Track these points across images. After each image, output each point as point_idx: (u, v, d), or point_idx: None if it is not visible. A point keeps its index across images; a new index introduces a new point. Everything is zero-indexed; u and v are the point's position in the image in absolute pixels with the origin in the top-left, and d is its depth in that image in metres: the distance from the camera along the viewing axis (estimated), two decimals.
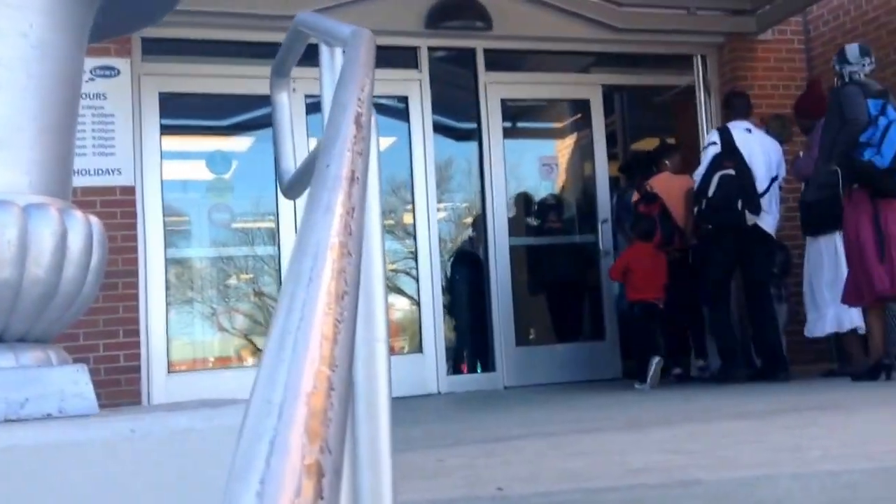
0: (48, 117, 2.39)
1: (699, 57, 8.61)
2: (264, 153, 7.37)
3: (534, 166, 9.16)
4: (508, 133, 8.70)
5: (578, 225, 9.25)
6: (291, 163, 2.84)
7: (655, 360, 7.10)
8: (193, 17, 7.11)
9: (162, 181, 7.30)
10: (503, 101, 8.48)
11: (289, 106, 3.39)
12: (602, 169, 8.79)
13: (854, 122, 6.07)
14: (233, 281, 8.47)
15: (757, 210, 6.89)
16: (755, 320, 7.03)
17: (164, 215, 7.30)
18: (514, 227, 8.65)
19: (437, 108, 8.25)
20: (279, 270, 7.70)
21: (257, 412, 0.75)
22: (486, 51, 8.37)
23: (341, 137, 1.45)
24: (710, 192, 6.94)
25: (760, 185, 6.98)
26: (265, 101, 3.62)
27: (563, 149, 9.70)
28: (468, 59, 8.41)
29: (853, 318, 6.69)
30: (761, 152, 7.09)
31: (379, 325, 1.92)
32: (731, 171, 6.91)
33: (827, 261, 6.91)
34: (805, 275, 7.22)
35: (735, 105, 7.47)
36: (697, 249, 7.49)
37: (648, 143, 10.94)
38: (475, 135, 8.44)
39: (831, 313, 6.85)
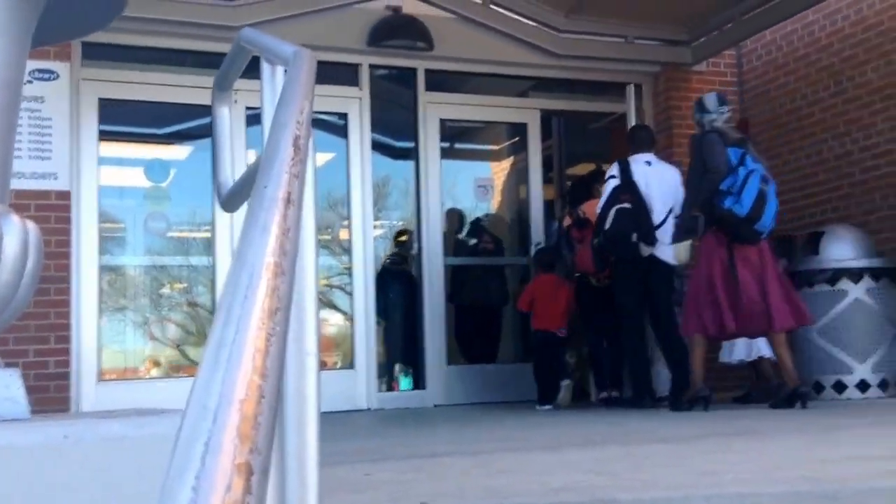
0: None
1: (632, 85, 8.76)
2: (203, 163, 7.37)
3: (469, 187, 9.25)
4: (446, 153, 8.76)
5: (512, 247, 9.35)
6: (230, 176, 2.87)
7: (564, 384, 7.56)
8: (135, 23, 7.06)
9: (99, 187, 7.23)
10: (442, 122, 8.56)
11: (229, 119, 3.43)
12: (536, 192, 8.90)
13: (715, 171, 6.32)
14: (166, 290, 8.39)
15: (651, 241, 7.07)
16: (664, 349, 7.18)
17: (99, 221, 7.23)
18: (449, 246, 8.72)
19: (376, 125, 8.29)
20: (213, 281, 7.66)
21: (194, 416, 0.82)
22: (426, 71, 8.46)
23: (279, 160, 1.50)
24: (607, 225, 7.13)
25: (658, 217, 7.14)
26: (205, 110, 3.63)
27: (499, 171, 9.81)
28: (409, 78, 8.48)
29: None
30: (659, 184, 7.25)
31: (309, 340, 1.97)
32: (627, 205, 7.10)
33: None
34: None
35: (637, 138, 7.63)
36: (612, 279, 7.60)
37: (585, 168, 11.08)
38: (413, 154, 8.50)
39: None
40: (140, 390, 7.38)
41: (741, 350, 7.28)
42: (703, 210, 6.38)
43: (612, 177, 7.29)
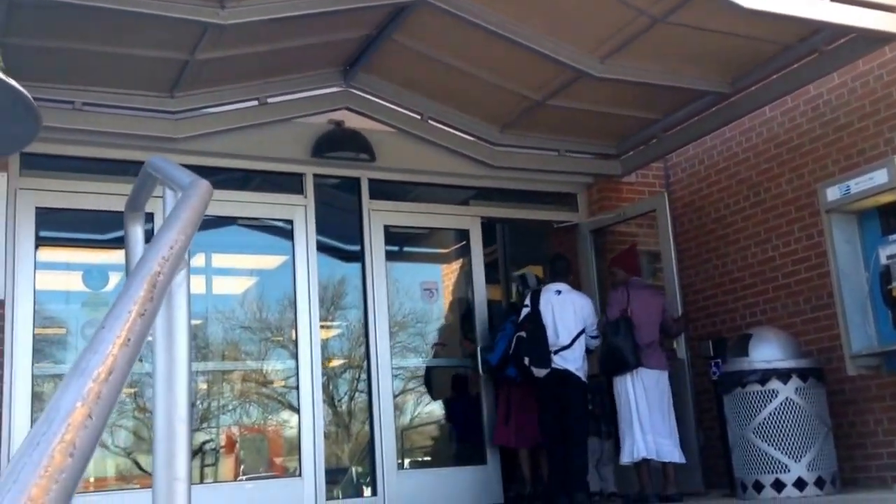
0: None
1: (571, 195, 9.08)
2: None
3: (416, 289, 9.36)
4: (392, 256, 8.90)
5: (459, 349, 9.43)
6: None
7: None
8: (76, 135, 7.24)
9: (35, 294, 7.15)
10: (386, 227, 8.72)
11: (142, 239, 3.53)
12: (481, 296, 9.04)
13: None
14: None
15: (545, 364, 7.92)
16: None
17: (34, 329, 7.11)
18: (397, 348, 8.79)
19: (323, 229, 8.43)
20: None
21: None
22: (370, 180, 8.66)
23: (127, 299, 1.60)
24: (511, 349, 8.19)
25: (565, 340, 7.97)
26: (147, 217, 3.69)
27: (445, 274, 9.96)
28: (353, 186, 8.67)
29: (639, 449, 7.64)
30: (570, 311, 8.09)
31: (180, 464, 2.04)
32: (523, 333, 8.10)
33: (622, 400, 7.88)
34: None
35: (554, 268, 8.54)
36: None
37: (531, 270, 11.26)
38: (359, 256, 8.63)
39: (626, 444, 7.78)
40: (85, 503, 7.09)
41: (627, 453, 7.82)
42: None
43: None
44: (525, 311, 8.15)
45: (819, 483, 7.09)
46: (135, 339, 1.48)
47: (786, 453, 7.10)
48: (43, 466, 1.06)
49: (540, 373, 7.93)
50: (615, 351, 7.81)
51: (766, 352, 7.33)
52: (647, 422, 7.66)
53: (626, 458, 7.76)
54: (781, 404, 7.14)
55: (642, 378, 7.77)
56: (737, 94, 8.04)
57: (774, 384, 7.18)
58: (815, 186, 7.63)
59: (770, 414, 7.16)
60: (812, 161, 8.03)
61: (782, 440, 7.11)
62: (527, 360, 7.98)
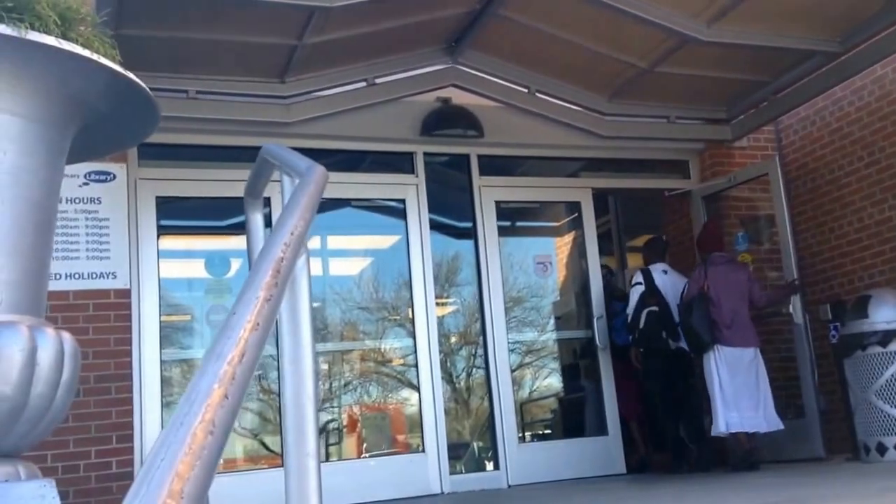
0: (21, 239, 2.49)
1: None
2: None
3: (529, 264, 9.34)
4: (504, 231, 8.88)
5: (575, 321, 9.40)
6: None
7: None
8: (191, 123, 7.35)
9: (160, 283, 7.28)
10: (497, 203, 8.71)
11: (262, 224, 3.60)
12: (595, 267, 8.98)
13: None
14: None
15: (677, 338, 8.27)
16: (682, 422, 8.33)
17: (160, 317, 7.24)
18: (513, 322, 8.80)
19: (434, 208, 8.46)
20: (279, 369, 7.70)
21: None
22: (479, 156, 8.66)
23: (254, 285, 1.63)
24: (641, 324, 8.38)
25: (675, 317, 8.31)
26: (264, 202, 3.75)
27: (558, 247, 9.91)
28: (462, 163, 8.67)
29: (725, 423, 7.73)
30: (674, 290, 8.40)
31: (309, 441, 2.08)
32: (655, 308, 8.35)
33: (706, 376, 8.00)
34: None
35: (654, 249, 8.87)
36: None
37: (643, 240, 11.14)
38: (471, 233, 8.65)
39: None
40: (217, 484, 7.24)
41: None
42: None
43: (639, 283, 8.48)
44: (640, 288, 8.45)
45: None
46: (263, 322, 1.51)
47: None
48: (187, 444, 1.11)
49: (674, 345, 8.28)
50: (690, 331, 7.97)
51: (887, 313, 7.19)
52: (731, 398, 7.72)
53: (714, 432, 7.83)
54: None
55: (724, 355, 7.83)
56: (846, 53, 7.83)
57: None
58: None
59: (892, 375, 7.03)
60: None
61: None
62: (664, 334, 8.29)
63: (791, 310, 8.32)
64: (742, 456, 7.67)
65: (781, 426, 7.69)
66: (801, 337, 8.31)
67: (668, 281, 8.49)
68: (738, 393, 7.71)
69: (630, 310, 8.47)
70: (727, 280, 7.96)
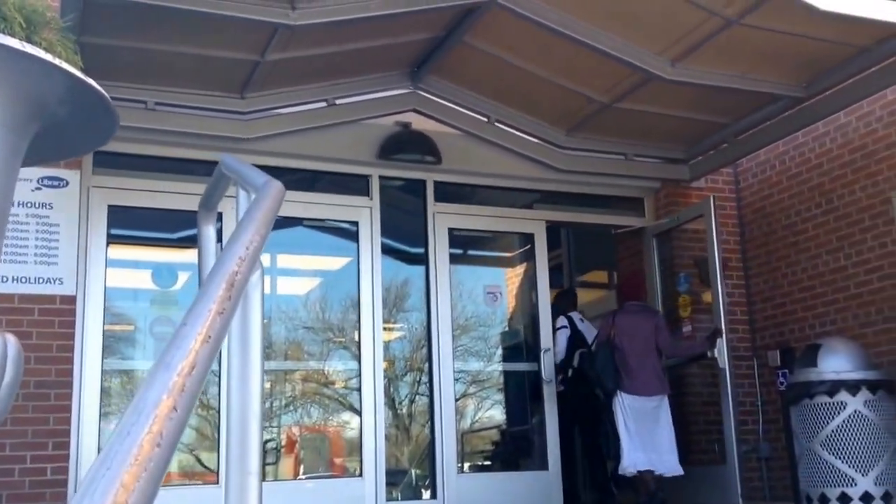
0: None
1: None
2: None
3: (479, 293, 9.34)
4: (456, 259, 8.87)
5: (523, 353, 9.39)
6: None
7: None
8: (148, 134, 7.32)
9: (105, 291, 7.23)
10: (450, 230, 8.72)
11: (214, 237, 3.58)
12: (545, 300, 8.99)
13: None
14: None
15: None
16: None
17: (104, 325, 7.20)
18: (459, 351, 8.79)
19: (387, 231, 8.45)
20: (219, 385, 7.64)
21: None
22: (435, 182, 8.67)
23: (207, 297, 1.62)
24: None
25: None
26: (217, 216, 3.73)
27: (508, 278, 9.94)
28: (418, 189, 8.68)
29: (631, 463, 7.88)
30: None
31: (252, 459, 2.07)
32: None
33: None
34: None
35: (567, 299, 9.58)
36: None
37: (596, 276, 11.21)
38: (423, 259, 8.64)
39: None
40: None
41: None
42: None
43: (564, 327, 8.92)
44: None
45: (886, 498, 7.00)
46: (215, 335, 1.50)
47: (853, 467, 7.01)
48: (133, 455, 1.10)
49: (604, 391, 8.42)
50: (595, 377, 8.19)
51: (836, 363, 7.22)
52: (637, 439, 7.90)
53: (620, 470, 7.99)
54: (850, 417, 7.05)
55: (628, 402, 8.01)
56: (811, 99, 7.87)
57: (843, 396, 7.08)
58: (890, 194, 7.50)
59: (838, 426, 7.07)
60: (888, 168, 7.87)
61: (850, 453, 7.02)
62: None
63: (716, 353, 8.25)
64: (647, 497, 7.82)
65: (681, 472, 7.82)
66: (724, 382, 8.25)
67: (585, 328, 9.10)
68: (642, 436, 7.89)
69: (560, 351, 8.85)
70: (635, 328, 8.14)
